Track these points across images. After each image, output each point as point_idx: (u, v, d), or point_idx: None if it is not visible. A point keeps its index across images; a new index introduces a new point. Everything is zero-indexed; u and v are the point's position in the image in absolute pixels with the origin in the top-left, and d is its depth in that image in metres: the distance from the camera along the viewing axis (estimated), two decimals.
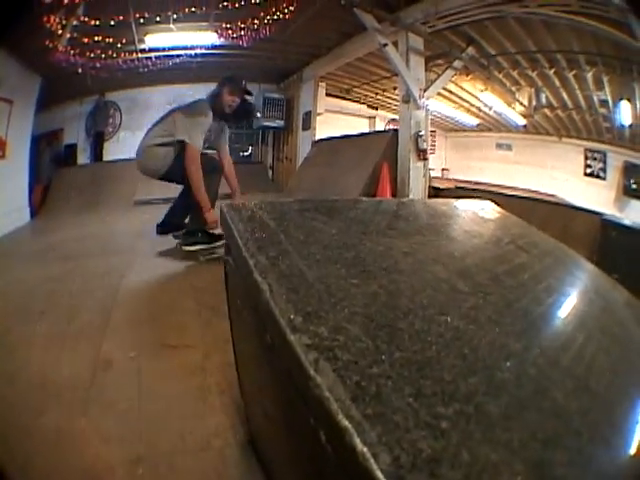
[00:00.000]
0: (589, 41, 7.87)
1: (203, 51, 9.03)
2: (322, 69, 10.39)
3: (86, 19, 6.59)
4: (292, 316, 0.60)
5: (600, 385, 0.68)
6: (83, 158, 10.91)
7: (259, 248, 0.82)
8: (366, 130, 13.49)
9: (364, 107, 14.12)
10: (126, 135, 11.33)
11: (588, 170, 14.39)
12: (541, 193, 11.57)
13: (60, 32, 6.50)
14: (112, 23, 6.92)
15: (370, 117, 14.56)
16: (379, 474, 0.39)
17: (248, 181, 8.09)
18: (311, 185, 7.27)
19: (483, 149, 16.88)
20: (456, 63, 8.33)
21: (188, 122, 3.44)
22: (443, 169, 17.44)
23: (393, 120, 13.90)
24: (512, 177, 14.72)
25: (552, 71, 9.71)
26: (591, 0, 5.99)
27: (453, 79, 9.62)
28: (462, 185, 8.49)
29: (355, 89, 12.56)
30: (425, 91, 7.25)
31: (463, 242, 1.14)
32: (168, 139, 3.47)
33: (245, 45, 8.52)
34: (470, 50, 8.59)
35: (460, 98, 12.80)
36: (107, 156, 11.00)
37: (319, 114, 11.01)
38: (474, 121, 15.14)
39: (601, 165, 14.16)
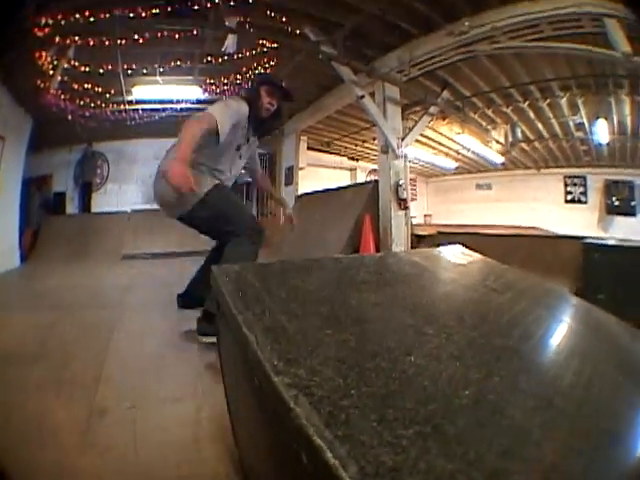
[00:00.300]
0: (562, 65, 8.11)
1: (188, 105, 9.24)
2: (303, 123, 10.65)
3: (76, 64, 6.78)
4: (275, 362, 0.71)
5: (564, 402, 0.77)
6: (71, 207, 11.11)
7: (246, 306, 0.94)
8: (348, 182, 13.81)
9: (345, 159, 14.41)
10: (113, 188, 11.63)
11: (569, 197, 14.77)
12: (524, 227, 11.71)
13: (52, 72, 6.67)
14: (101, 71, 7.14)
15: (351, 169, 14.86)
16: None
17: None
18: (296, 240, 7.38)
19: (464, 191, 17.36)
20: (432, 109, 8.56)
21: (219, 105, 2.86)
22: (426, 215, 17.77)
23: (374, 170, 14.16)
24: (495, 215, 15.00)
25: (526, 104, 9.98)
26: (563, 20, 6.15)
27: (430, 125, 9.90)
28: (444, 230, 8.67)
29: (336, 142, 12.88)
30: (403, 140, 7.45)
31: (432, 289, 1.29)
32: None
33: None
34: (445, 94, 8.86)
35: (438, 143, 13.07)
36: (95, 207, 11.21)
37: (301, 168, 11.24)
38: (453, 164, 15.41)
39: (581, 189, 14.58)
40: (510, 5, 6.17)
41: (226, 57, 7.26)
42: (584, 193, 14.50)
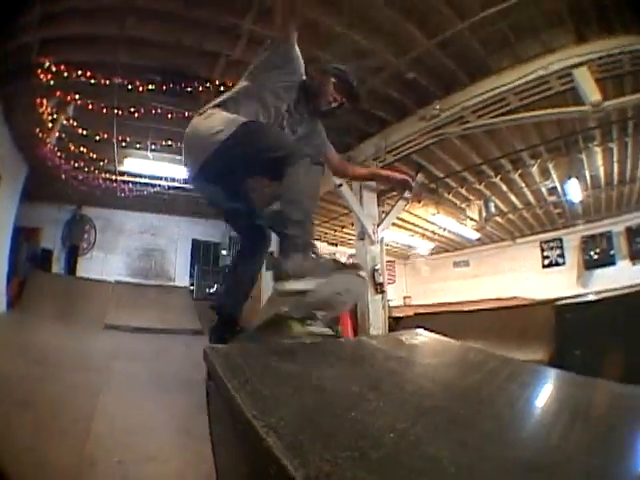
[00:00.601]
0: (531, 133, 8.44)
1: (176, 184, 9.63)
2: None
3: (75, 123, 7.10)
4: (254, 412, 0.99)
5: (475, 441, 1.00)
6: (57, 267, 11.31)
7: (233, 374, 1.23)
8: None
9: (325, 244, 14.74)
10: (99, 255, 11.91)
11: (546, 261, 15.13)
12: (505, 299, 11.86)
13: (50, 125, 6.94)
14: (97, 138, 7.48)
15: (330, 254, 15.20)
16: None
17: (213, 317, 8.37)
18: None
19: (442, 270, 17.82)
20: (407, 193, 8.86)
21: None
22: (405, 297, 18.01)
23: (352, 255, 14.56)
24: (474, 290, 15.16)
25: (498, 178, 10.40)
26: (530, 87, 6.50)
27: (406, 208, 10.35)
28: (421, 311, 8.89)
29: (316, 227, 13.08)
30: (379, 226, 7.82)
31: (381, 366, 1.59)
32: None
33: None
34: (420, 177, 9.29)
35: (414, 224, 13.48)
36: (80, 271, 11.38)
37: None
38: (430, 245, 15.91)
39: (558, 252, 14.92)
40: (478, 82, 6.57)
41: None
42: (561, 255, 14.85)
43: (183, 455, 2.27)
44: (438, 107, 6.97)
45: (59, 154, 7.99)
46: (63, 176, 8.63)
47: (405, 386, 1.34)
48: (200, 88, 6.68)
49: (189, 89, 6.65)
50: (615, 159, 9.87)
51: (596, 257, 13.90)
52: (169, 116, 7.22)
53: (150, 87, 6.55)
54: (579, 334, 4.72)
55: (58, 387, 3.29)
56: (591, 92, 6.01)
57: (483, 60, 6.54)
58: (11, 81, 6.07)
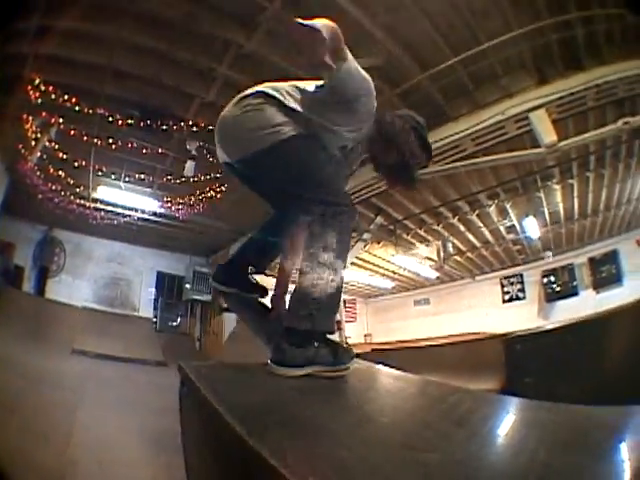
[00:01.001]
0: (488, 175, 8.63)
1: (145, 216, 9.90)
2: None
3: (56, 146, 7.21)
4: (223, 407, 1.20)
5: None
6: (28, 286, 11.13)
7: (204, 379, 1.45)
8: None
9: None
10: (67, 279, 11.75)
11: (506, 297, 15.29)
12: (463, 334, 11.74)
13: (33, 143, 7.02)
14: (76, 164, 7.64)
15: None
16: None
17: (176, 350, 8.53)
18: (235, 360, 7.68)
19: (402, 308, 17.83)
20: (365, 235, 9.20)
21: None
22: (366, 335, 18.12)
23: None
24: (435, 328, 15.07)
25: (456, 219, 10.66)
26: (486, 133, 6.67)
27: (366, 249, 10.61)
28: (378, 347, 9.08)
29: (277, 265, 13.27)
30: None
31: (324, 393, 1.68)
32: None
33: (181, 218, 9.58)
34: (379, 219, 9.60)
35: (374, 264, 13.65)
36: (49, 293, 11.26)
37: None
38: (390, 284, 16.03)
39: (519, 287, 15.08)
40: (435, 130, 6.70)
41: (184, 179, 7.99)
42: (522, 289, 15.09)
43: (156, 462, 2.44)
44: None
45: (38, 174, 8.08)
46: (40, 196, 8.65)
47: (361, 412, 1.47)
48: (175, 127, 6.98)
49: (164, 127, 6.92)
50: (576, 194, 10.07)
51: (558, 289, 14.13)
52: (144, 151, 7.51)
53: (129, 122, 6.80)
54: (529, 363, 5.07)
55: (40, 399, 3.45)
56: (546, 134, 6.15)
57: (442, 108, 6.83)
58: (3, 89, 6.17)
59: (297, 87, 1.90)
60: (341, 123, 1.88)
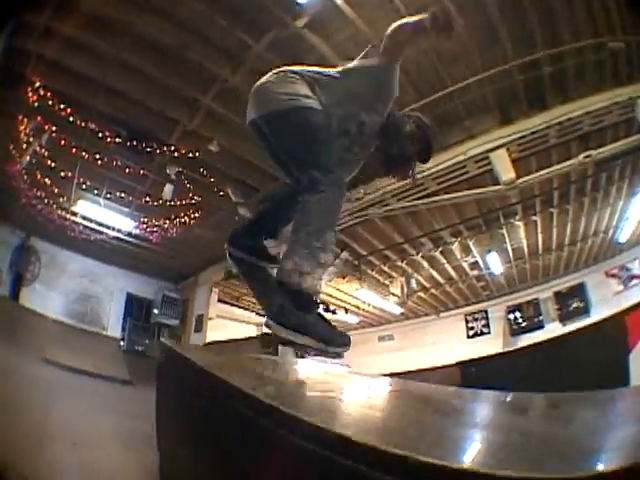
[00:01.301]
0: (450, 213, 8.86)
1: (119, 235, 10.03)
2: (217, 275, 11.33)
3: (46, 153, 7.28)
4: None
5: None
6: (4, 289, 10.79)
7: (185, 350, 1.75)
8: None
9: (253, 315, 14.83)
10: (41, 289, 11.50)
11: (471, 332, 15.27)
12: (427, 369, 11.89)
13: (24, 147, 7.12)
14: (62, 174, 7.72)
15: (258, 324, 15.04)
16: None
17: (142, 371, 8.58)
18: None
19: (366, 344, 17.06)
20: (330, 269, 9.33)
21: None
22: None
23: None
24: (399, 363, 14.38)
25: (419, 255, 10.90)
26: (447, 172, 6.84)
27: (330, 283, 10.85)
28: None
29: (245, 297, 13.45)
30: None
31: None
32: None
33: (154, 240, 9.78)
34: (344, 254, 9.83)
35: (338, 299, 13.76)
36: (22, 299, 11.06)
37: (210, 319, 11.88)
38: (354, 319, 16.00)
39: (483, 322, 15.08)
40: None
41: (161, 202, 8.19)
42: (486, 325, 15.15)
43: (128, 451, 2.64)
44: (362, 190, 7.51)
45: (25, 178, 8.10)
46: (23, 200, 8.62)
47: None
48: (157, 150, 7.25)
49: (148, 149, 7.19)
50: (539, 230, 10.26)
51: (523, 324, 14.18)
52: (127, 170, 7.72)
53: (117, 140, 7.04)
54: (483, 383, 5.42)
55: (18, 396, 3.53)
56: (505, 172, 6.39)
57: None
58: (5, 81, 6.29)
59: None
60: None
